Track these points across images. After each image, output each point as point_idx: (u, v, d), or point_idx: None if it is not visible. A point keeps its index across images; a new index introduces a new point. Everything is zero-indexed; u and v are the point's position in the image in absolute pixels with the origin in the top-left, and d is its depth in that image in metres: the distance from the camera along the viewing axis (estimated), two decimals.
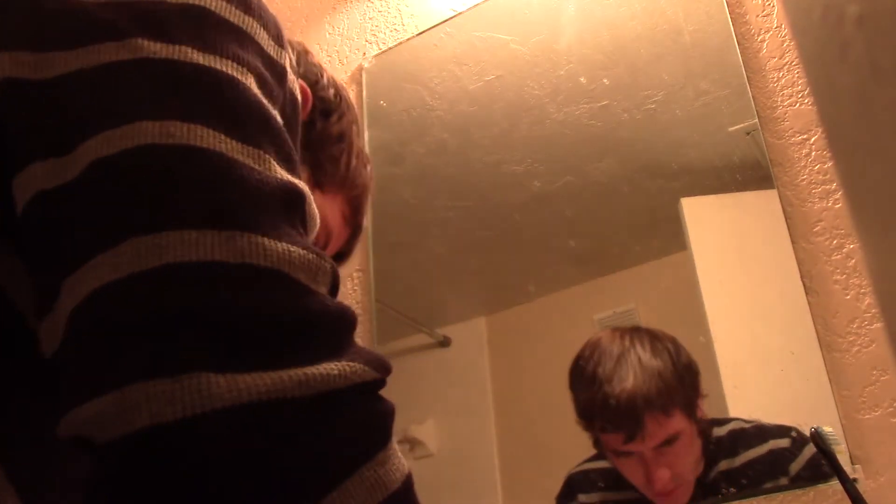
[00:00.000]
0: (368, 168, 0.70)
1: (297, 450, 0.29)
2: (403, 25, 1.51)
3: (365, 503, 0.29)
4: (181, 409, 0.28)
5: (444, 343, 1.30)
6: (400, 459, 0.33)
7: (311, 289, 0.33)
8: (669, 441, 0.96)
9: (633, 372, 0.98)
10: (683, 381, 0.98)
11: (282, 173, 0.37)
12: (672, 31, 1.22)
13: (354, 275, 1.37)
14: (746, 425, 0.98)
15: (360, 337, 1.32)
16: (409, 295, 1.37)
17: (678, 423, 0.97)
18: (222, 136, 0.35)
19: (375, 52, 1.52)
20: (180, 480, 0.28)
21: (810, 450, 0.92)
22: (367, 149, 1.45)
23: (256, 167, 0.36)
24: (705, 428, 0.99)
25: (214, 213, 0.33)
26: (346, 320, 0.35)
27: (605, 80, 1.25)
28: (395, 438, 0.33)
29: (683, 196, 1.15)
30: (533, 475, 1.15)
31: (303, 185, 0.38)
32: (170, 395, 0.28)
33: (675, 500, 0.97)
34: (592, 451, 1.08)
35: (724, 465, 0.96)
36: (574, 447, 1.12)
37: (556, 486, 1.10)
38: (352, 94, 1.52)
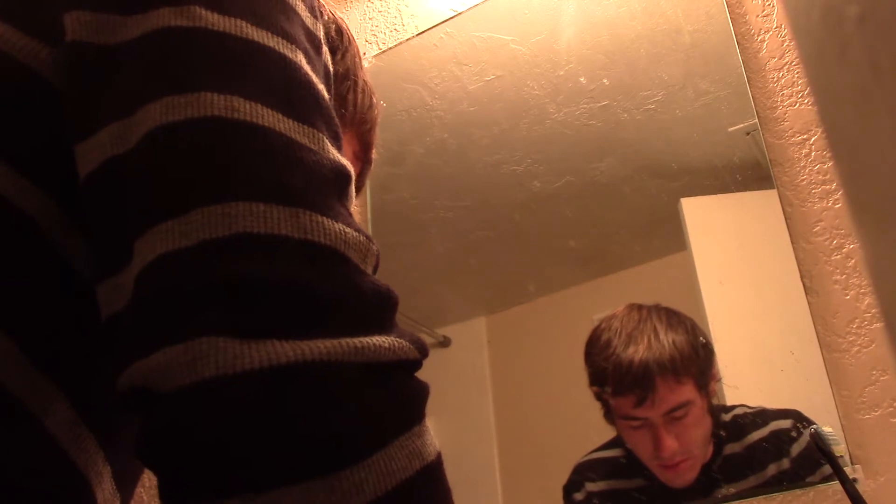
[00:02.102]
0: (374, 100, 0.72)
1: (349, 408, 0.31)
2: (403, 25, 1.51)
3: (405, 468, 0.31)
4: (248, 362, 0.29)
5: (444, 343, 1.30)
6: (432, 437, 0.34)
7: (361, 268, 0.36)
8: (679, 409, 0.96)
9: (647, 339, 0.99)
10: (698, 353, 0.99)
11: (333, 153, 0.38)
12: (672, 31, 1.22)
13: None
14: (750, 410, 0.99)
15: None
16: (408, 295, 1.37)
17: (689, 392, 0.97)
18: (280, 116, 0.37)
19: (375, 52, 1.52)
20: (244, 426, 0.29)
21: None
22: None
23: (312, 147, 0.37)
24: (716, 413, 0.99)
25: (279, 189, 0.34)
26: (392, 300, 0.37)
27: (605, 81, 1.25)
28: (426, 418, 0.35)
29: (683, 196, 1.15)
30: (533, 475, 1.15)
31: (349, 164, 0.40)
32: (238, 350, 0.30)
33: (681, 475, 0.98)
34: (594, 448, 1.09)
35: (728, 448, 0.97)
36: (574, 447, 1.12)
37: (556, 485, 1.10)
38: None
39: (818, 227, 1.02)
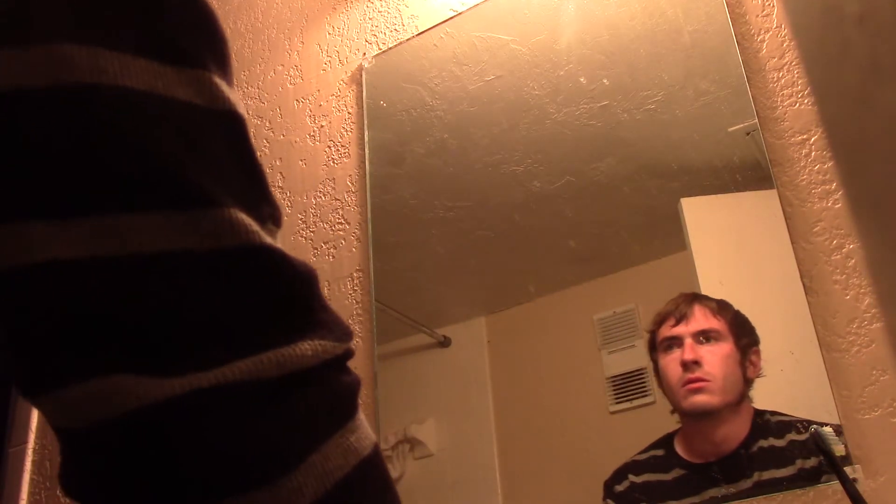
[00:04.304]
0: None
1: (278, 417, 0.30)
2: (403, 25, 1.51)
3: (342, 466, 0.31)
4: (170, 390, 0.28)
5: (445, 343, 1.30)
6: (367, 429, 0.34)
7: (273, 252, 0.32)
8: (709, 335, 1.06)
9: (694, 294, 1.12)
10: (738, 319, 1.07)
11: (223, 95, 0.33)
12: (672, 31, 1.22)
13: (354, 275, 1.37)
14: (795, 419, 1.01)
15: (360, 337, 1.32)
16: (409, 295, 1.37)
17: (722, 327, 1.06)
18: (157, 68, 0.31)
19: (375, 52, 1.53)
20: (177, 453, 0.28)
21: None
22: (367, 149, 1.45)
23: (198, 101, 0.32)
24: (756, 414, 1.03)
25: (174, 187, 0.30)
26: (312, 280, 0.34)
27: (604, 81, 1.25)
28: (360, 410, 0.34)
29: (683, 196, 1.15)
30: (532, 475, 1.15)
31: (239, 105, 0.34)
32: (158, 382, 0.28)
33: (700, 395, 1.04)
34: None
35: (770, 441, 1.01)
36: (574, 447, 1.12)
37: (555, 485, 1.10)
38: (352, 95, 1.52)
39: (818, 227, 1.02)
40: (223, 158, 0.32)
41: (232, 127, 0.33)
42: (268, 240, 0.32)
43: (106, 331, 0.29)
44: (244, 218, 0.31)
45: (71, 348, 0.29)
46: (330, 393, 0.32)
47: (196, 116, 0.31)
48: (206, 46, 0.33)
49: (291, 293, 0.32)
